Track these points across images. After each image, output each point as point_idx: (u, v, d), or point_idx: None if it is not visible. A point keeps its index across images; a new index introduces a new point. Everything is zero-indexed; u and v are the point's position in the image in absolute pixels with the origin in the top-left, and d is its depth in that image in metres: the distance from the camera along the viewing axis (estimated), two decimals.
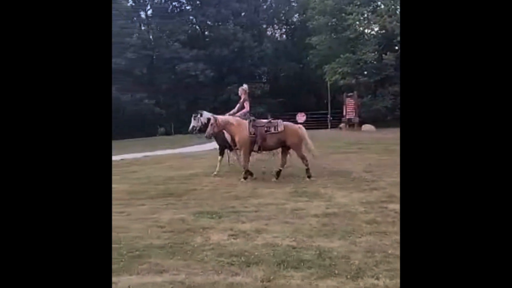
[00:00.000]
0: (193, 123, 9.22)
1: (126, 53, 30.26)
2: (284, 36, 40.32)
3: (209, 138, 8.65)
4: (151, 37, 34.11)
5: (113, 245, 4.13)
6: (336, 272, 3.32)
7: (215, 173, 9.01)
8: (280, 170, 8.29)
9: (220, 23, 33.70)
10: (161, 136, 28.61)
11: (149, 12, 34.68)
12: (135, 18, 35.37)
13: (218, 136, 9.11)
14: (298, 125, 8.74)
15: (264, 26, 38.23)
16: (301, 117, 26.12)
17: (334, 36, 26.87)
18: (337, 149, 13.41)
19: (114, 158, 14.55)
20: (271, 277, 3.25)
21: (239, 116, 8.63)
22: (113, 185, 8.09)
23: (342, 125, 23.82)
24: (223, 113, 8.97)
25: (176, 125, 30.89)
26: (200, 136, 9.11)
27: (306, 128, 8.77)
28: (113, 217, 5.39)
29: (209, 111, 9.52)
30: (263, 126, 8.20)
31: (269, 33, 39.61)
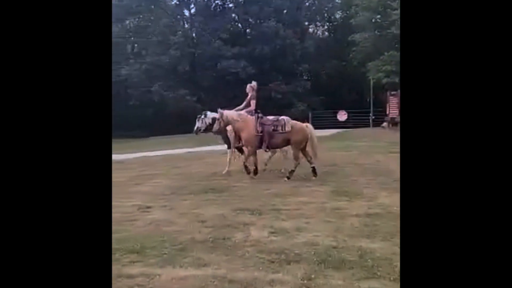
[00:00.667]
0: (197, 124, 9.06)
1: (170, 51, 30.87)
2: (326, 33, 39.78)
3: (217, 133, 8.75)
4: (194, 35, 34.60)
5: (157, 238, 4.25)
6: (379, 274, 3.27)
7: (224, 172, 8.88)
8: (293, 170, 8.12)
9: (262, 21, 33.70)
10: (202, 133, 28.98)
11: (193, 10, 35.21)
12: (179, 16, 36.02)
13: (222, 134, 9.04)
14: (305, 123, 8.53)
15: (306, 23, 37.86)
16: (342, 115, 25.75)
17: (378, 33, 26.24)
18: (379, 148, 13.13)
19: (157, 153, 14.92)
20: (312, 276, 3.23)
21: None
22: (157, 180, 8.36)
23: (384, 124, 23.29)
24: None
25: None
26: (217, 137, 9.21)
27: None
28: (157, 211, 5.58)
29: None
30: (270, 124, 8.09)
31: (311, 30, 39.23)
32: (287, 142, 8.21)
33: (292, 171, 8.03)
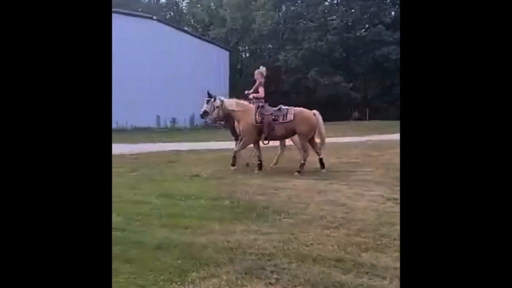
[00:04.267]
0: (205, 106, 7.73)
1: (327, 36, 30.57)
2: None
3: (213, 123, 7.88)
4: (351, 19, 33.63)
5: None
6: None
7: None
8: (321, 159, 7.39)
9: None
10: (356, 121, 28.30)
11: None
12: (336, 0, 35.34)
13: (228, 124, 8.36)
14: (313, 111, 7.50)
15: None
16: None
17: None
18: None
19: (332, 140, 14.39)
20: None
21: (254, 100, 7.74)
22: (367, 169, 7.65)
23: None
24: None
25: (370, 110, 30.11)
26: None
27: None
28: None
29: None
30: (271, 114, 7.30)
31: None
32: (291, 133, 7.45)
33: (302, 164, 7.24)
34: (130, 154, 9.79)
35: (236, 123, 7.90)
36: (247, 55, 39.54)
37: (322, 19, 31.32)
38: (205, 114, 7.86)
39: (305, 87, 31.28)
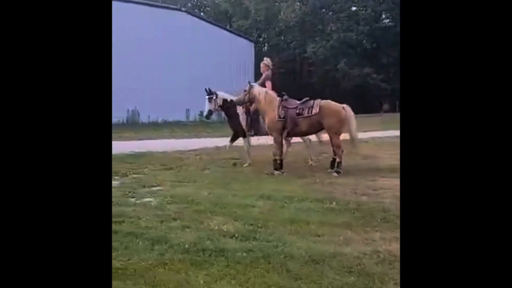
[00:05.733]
0: (208, 106, 7.31)
1: (358, 27, 29.89)
2: None
3: (240, 105, 7.04)
4: (381, 9, 32.84)
5: None
6: None
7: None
8: (334, 159, 6.65)
9: None
10: (386, 113, 27.70)
11: None
12: None
13: (232, 118, 7.46)
14: (342, 105, 6.72)
15: None
16: None
17: None
18: None
19: (368, 135, 13.91)
20: None
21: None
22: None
23: None
24: None
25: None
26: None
27: None
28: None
29: None
30: (295, 107, 6.58)
31: None
32: (317, 128, 6.75)
33: (339, 162, 6.57)
34: (188, 151, 9.50)
35: (241, 117, 7.34)
36: (272, 47, 38.97)
37: (351, 10, 30.61)
38: (210, 114, 7.43)
39: (332, 79, 30.66)
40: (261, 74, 7.68)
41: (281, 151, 6.80)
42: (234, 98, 7.05)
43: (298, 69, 37.80)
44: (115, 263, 2.87)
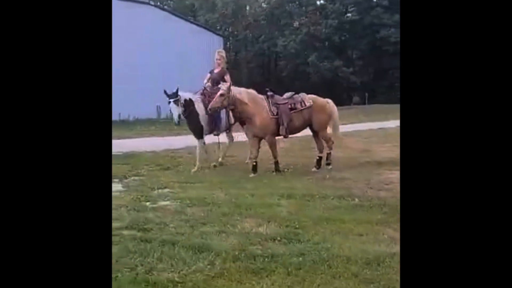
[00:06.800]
0: (177, 110, 6.57)
1: (327, 21, 30.11)
2: None
3: (212, 113, 6.32)
4: (349, 2, 33.25)
5: None
6: None
7: (194, 170, 6.65)
8: (321, 157, 6.57)
9: None
10: (356, 106, 28.15)
11: None
12: None
13: (191, 117, 6.75)
14: (326, 99, 6.72)
15: None
16: None
17: None
18: None
19: (350, 127, 14.08)
20: None
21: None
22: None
23: None
24: None
25: (368, 94, 30.01)
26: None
27: None
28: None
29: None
30: (286, 103, 6.24)
31: None
32: (307, 123, 6.47)
33: (329, 154, 6.56)
34: (177, 149, 9.20)
35: (201, 118, 6.67)
36: (238, 41, 38.69)
37: (319, 3, 30.82)
38: (179, 118, 6.63)
39: (302, 73, 30.82)
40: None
41: (258, 153, 6.32)
42: (209, 105, 6.13)
43: (267, 63, 37.74)
44: (169, 276, 2.68)
